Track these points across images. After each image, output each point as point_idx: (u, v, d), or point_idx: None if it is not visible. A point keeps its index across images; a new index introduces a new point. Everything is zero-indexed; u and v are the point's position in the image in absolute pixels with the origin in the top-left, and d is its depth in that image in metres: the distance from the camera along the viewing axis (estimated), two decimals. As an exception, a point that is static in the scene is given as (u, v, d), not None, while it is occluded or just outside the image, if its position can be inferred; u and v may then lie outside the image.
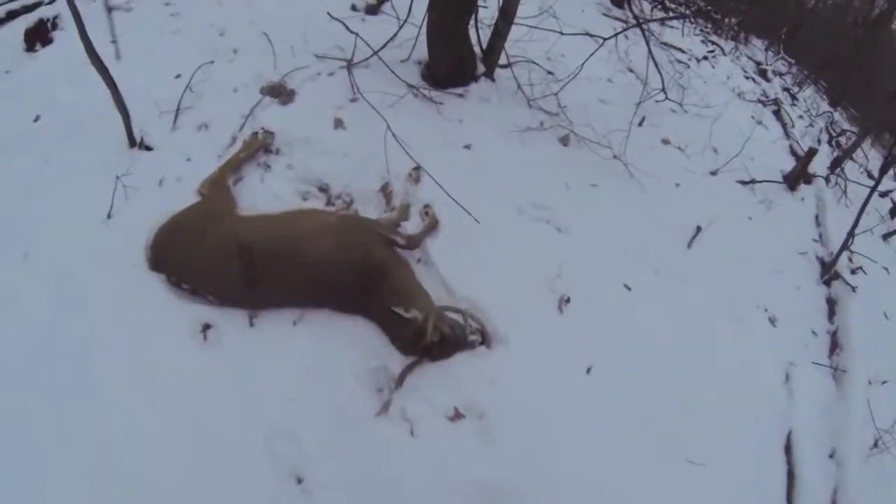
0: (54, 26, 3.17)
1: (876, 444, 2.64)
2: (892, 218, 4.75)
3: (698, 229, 3.06)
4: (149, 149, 2.48)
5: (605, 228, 2.77)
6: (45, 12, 3.20)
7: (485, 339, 2.17)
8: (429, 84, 3.12)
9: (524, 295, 2.36)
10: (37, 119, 2.71)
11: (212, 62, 2.90)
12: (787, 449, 2.43)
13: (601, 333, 2.36)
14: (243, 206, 2.28)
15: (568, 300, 2.39)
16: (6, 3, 3.24)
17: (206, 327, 1.99)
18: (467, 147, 2.89)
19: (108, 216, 2.20)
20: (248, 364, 1.94)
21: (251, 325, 2.04)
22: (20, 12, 3.23)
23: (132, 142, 2.46)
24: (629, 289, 2.59)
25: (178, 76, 2.80)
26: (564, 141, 3.19)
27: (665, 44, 4.79)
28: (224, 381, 1.88)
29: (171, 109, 2.62)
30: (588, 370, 2.25)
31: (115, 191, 2.24)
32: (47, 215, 2.21)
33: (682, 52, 5.18)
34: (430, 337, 1.98)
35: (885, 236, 4.38)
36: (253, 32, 3.14)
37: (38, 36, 3.13)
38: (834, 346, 2.95)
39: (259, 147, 2.45)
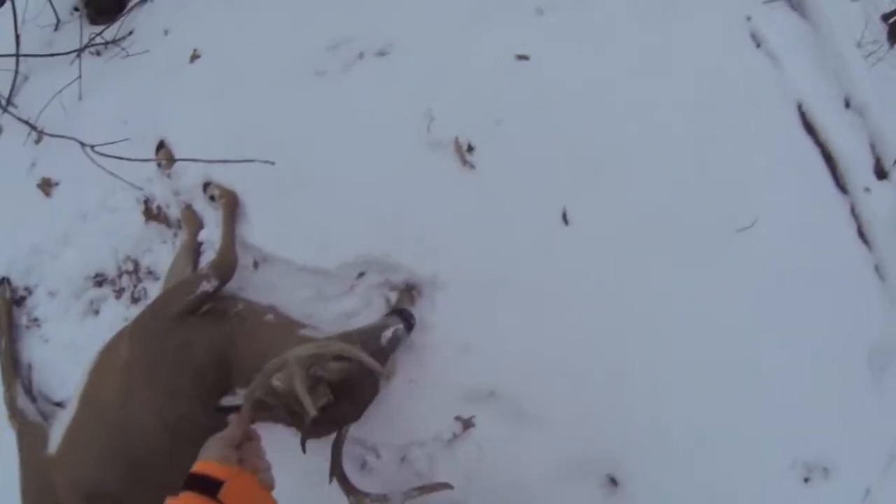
0: None
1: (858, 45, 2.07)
2: None
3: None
4: None
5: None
6: None
7: (406, 318, 1.28)
8: (91, 17, 2.01)
9: (410, 191, 1.36)
10: None
11: None
12: (809, 128, 1.81)
13: (542, 154, 1.44)
14: (50, 390, 1.65)
15: (470, 146, 1.37)
16: None
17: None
18: (197, 57, 1.65)
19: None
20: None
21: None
22: None
23: None
24: (527, 58, 1.59)
25: None
26: None
27: None
28: None
29: None
30: (564, 217, 1.38)
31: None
32: None
33: None
34: (313, 406, 1.05)
35: None
36: None
37: None
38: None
39: (6, 315, 1.75)
